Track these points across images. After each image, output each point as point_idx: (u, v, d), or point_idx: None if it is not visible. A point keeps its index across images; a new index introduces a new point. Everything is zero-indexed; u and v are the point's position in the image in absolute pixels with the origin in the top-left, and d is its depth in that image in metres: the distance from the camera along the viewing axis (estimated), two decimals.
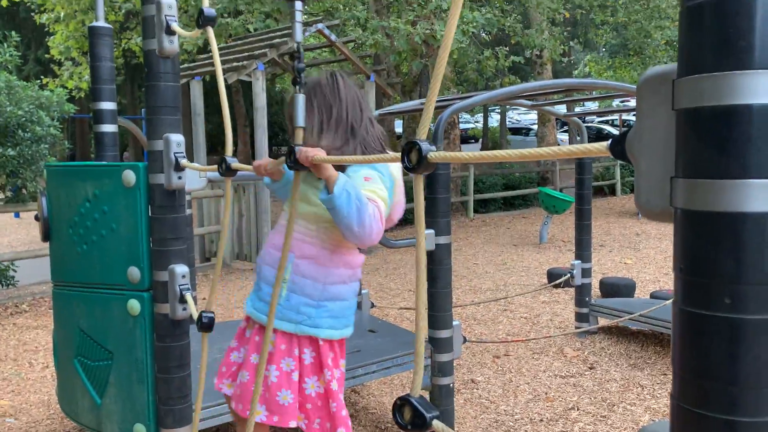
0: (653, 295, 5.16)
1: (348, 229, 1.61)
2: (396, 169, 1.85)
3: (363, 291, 3.83)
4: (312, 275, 1.78)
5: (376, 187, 1.69)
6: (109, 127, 3.19)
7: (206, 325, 1.85)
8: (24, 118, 6.10)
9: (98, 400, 2.35)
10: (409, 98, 15.69)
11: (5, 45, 5.82)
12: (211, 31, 1.78)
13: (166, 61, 2.15)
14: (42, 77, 13.96)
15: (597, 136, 30.59)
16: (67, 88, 12.26)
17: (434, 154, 1.07)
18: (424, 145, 1.06)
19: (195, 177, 2.20)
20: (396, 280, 7.12)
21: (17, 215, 14.94)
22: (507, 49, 10.92)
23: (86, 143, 25.59)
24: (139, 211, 2.18)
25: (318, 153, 1.45)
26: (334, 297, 1.79)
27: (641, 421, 3.29)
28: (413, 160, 1.08)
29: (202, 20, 1.77)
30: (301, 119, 1.46)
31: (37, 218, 2.60)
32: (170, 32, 2.10)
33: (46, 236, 2.55)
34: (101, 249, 2.28)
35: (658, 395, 3.61)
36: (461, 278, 6.94)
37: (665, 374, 3.92)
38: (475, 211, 12.38)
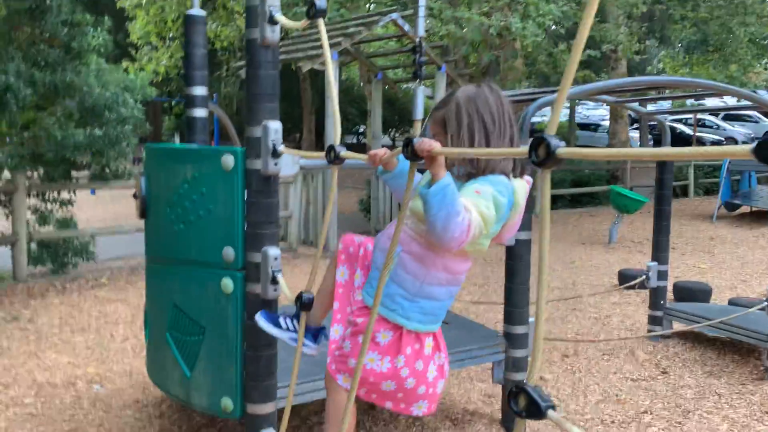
0: (731, 302, 4.98)
1: (432, 226, 1.65)
2: (522, 196, 1.86)
3: None
4: (413, 272, 1.83)
5: (480, 202, 1.70)
6: (200, 112, 3.30)
7: (306, 304, 1.92)
8: (111, 100, 6.38)
9: (188, 373, 2.46)
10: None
11: (98, 29, 6.10)
12: (322, 22, 1.83)
13: (267, 51, 2.21)
14: (121, 61, 14.51)
15: (672, 135, 29.58)
16: (145, 71, 12.75)
17: (563, 150, 1.08)
18: (553, 141, 1.08)
19: (289, 163, 2.27)
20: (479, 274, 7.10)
21: (93, 192, 15.61)
22: None
23: (158, 125, 26.48)
24: (236, 195, 2.27)
25: (436, 145, 1.48)
26: (428, 296, 1.84)
27: (719, 430, 3.20)
28: (541, 154, 1.10)
29: (313, 12, 1.82)
30: (419, 111, 1.50)
31: (135, 196, 2.73)
32: (273, 22, 2.16)
33: (143, 214, 2.68)
34: (198, 229, 2.38)
35: (737, 405, 3.50)
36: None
37: (743, 384, 3.79)
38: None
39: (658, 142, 29.24)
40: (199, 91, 3.28)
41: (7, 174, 6.53)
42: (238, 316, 2.30)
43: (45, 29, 5.61)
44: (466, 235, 1.66)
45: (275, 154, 2.19)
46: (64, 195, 7.01)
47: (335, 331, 1.98)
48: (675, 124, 28.40)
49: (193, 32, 3.24)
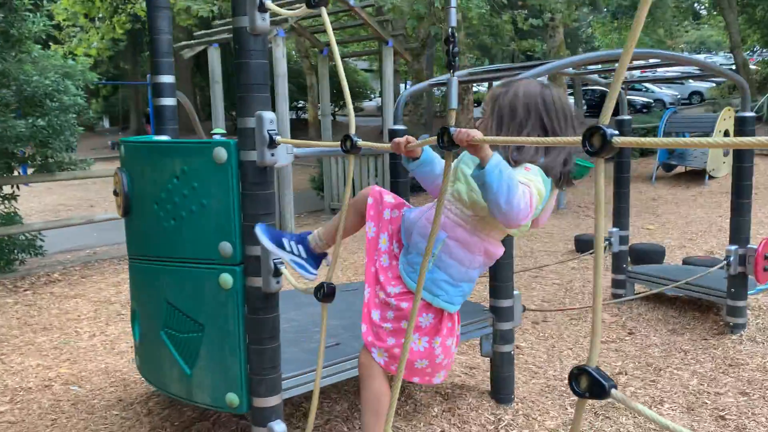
0: (685, 261, 5.24)
1: (496, 206, 1.64)
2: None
3: None
4: (459, 258, 1.86)
5: (532, 177, 1.74)
6: (168, 101, 3.20)
7: (329, 295, 1.93)
8: (51, 88, 6.08)
9: (188, 371, 2.42)
10: (417, 62, 15.56)
11: (38, 15, 5.76)
12: (324, 11, 1.80)
13: (257, 39, 2.16)
14: (47, 44, 13.79)
15: (601, 99, 30.47)
16: (76, 55, 12.17)
17: (619, 139, 1.11)
18: (609, 130, 1.10)
19: (283, 153, 2.23)
20: None
21: (27, 184, 14.93)
22: (525, 12, 10.81)
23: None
24: (231, 188, 2.22)
25: (475, 134, 1.49)
26: (470, 280, 1.90)
27: (690, 384, 3.39)
28: (596, 144, 1.12)
29: (315, 0, 1.78)
30: (454, 101, 1.50)
31: (115, 193, 2.64)
32: (263, 9, 2.11)
33: (126, 211, 2.59)
34: (191, 224, 2.32)
35: (702, 360, 3.71)
36: None
37: (706, 339, 4.01)
38: None
39: (591, 107, 30.09)
40: (167, 79, 3.18)
41: None
42: (239, 311, 2.28)
43: None
44: (530, 207, 1.68)
45: (272, 144, 2.16)
46: (6, 189, 6.69)
47: (366, 293, 1.99)
48: (606, 88, 29.25)
49: (157, 17, 3.13)
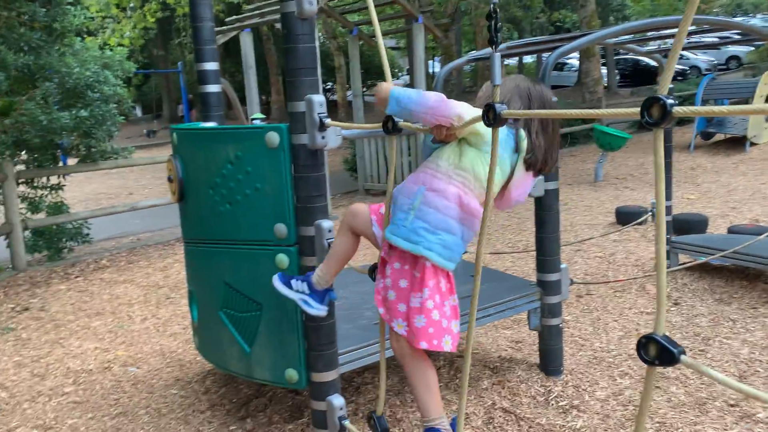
0: (731, 230, 5.16)
1: (417, 114, 1.83)
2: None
3: None
4: (435, 205, 1.92)
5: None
6: (213, 87, 3.26)
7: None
8: (91, 79, 6.21)
9: (247, 349, 2.51)
10: (446, 37, 15.42)
11: (77, 8, 5.88)
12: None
13: (304, 23, 2.20)
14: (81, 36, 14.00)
15: (635, 67, 29.83)
16: (109, 45, 12.36)
17: (679, 109, 1.12)
18: (669, 100, 1.11)
19: (332, 135, 2.28)
20: (489, 225, 7.21)
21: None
22: None
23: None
24: (284, 171, 2.28)
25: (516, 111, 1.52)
26: (448, 229, 1.91)
27: (741, 353, 3.37)
28: (655, 114, 1.13)
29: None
30: (498, 77, 1.52)
31: (170, 179, 2.72)
32: None
33: (181, 197, 2.67)
34: (246, 208, 2.39)
35: (752, 329, 3.68)
36: (525, 220, 6.99)
37: (755, 308, 3.97)
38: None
39: (624, 76, 29.46)
40: (211, 66, 3.23)
41: None
42: None
43: (22, 12, 5.40)
44: (448, 105, 1.81)
45: (322, 127, 2.20)
46: (54, 180, 6.89)
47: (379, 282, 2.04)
48: (638, 57, 28.61)
49: (199, 5, 3.18)
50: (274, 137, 2.26)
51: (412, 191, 1.93)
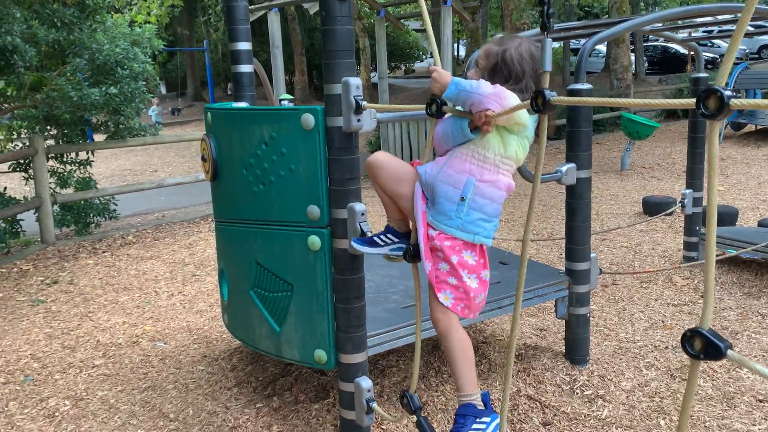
0: (761, 224, 5.08)
1: (471, 104, 1.88)
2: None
3: None
4: (490, 196, 2.01)
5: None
6: (245, 67, 3.26)
7: (414, 255, 2.00)
8: (121, 56, 6.25)
9: (277, 328, 2.53)
10: (473, 20, 15.26)
11: None
12: None
13: (342, 5, 2.18)
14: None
15: (663, 55, 29.30)
16: (137, 22, 12.41)
17: (737, 101, 1.10)
18: (726, 92, 1.09)
19: (367, 118, 2.27)
20: (513, 212, 7.18)
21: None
22: None
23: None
24: (319, 153, 2.28)
25: (565, 99, 1.50)
26: (498, 214, 2.06)
27: None
28: (711, 107, 1.11)
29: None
30: (548, 63, 1.50)
31: (203, 159, 2.74)
32: None
33: (215, 176, 2.69)
34: (280, 189, 2.40)
35: None
36: (551, 208, 6.95)
37: None
38: (548, 138, 12.17)
39: (653, 64, 28.96)
40: (244, 46, 3.23)
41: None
42: (327, 271, 2.35)
43: None
44: (500, 95, 1.86)
45: (358, 110, 2.20)
46: (82, 156, 6.97)
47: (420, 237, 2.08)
48: (667, 44, 28.10)
49: None
50: (309, 119, 2.26)
51: (461, 181, 1.98)
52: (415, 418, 2.09)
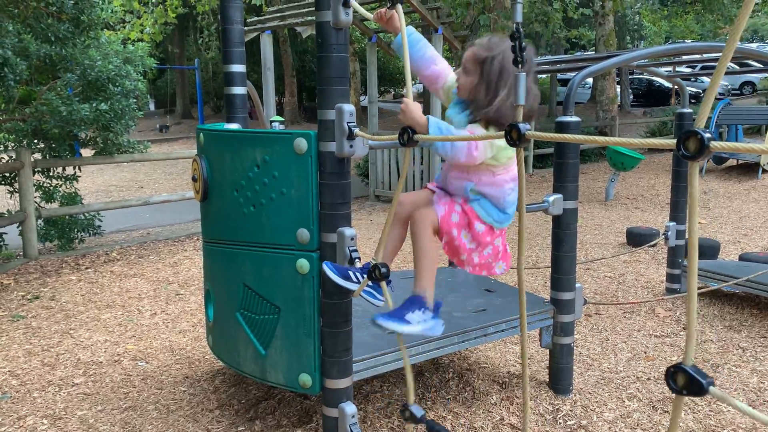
0: (742, 258, 5.16)
1: (443, 155, 2.20)
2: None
3: None
4: (492, 196, 2.31)
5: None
6: (239, 89, 3.29)
7: (385, 274, 2.03)
8: (113, 73, 6.26)
9: (263, 351, 2.53)
10: (463, 49, 15.44)
11: (105, 2, 5.93)
12: (400, 8, 1.84)
13: (339, 33, 2.22)
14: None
15: (648, 87, 29.83)
16: (132, 40, 12.45)
17: (716, 144, 1.13)
18: (706, 135, 1.12)
19: (360, 144, 2.30)
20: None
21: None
22: (577, 1, 10.63)
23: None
24: (310, 177, 2.30)
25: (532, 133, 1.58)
26: (513, 202, 2.33)
27: (750, 382, 3.37)
28: (692, 149, 1.14)
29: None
30: (521, 97, 1.53)
31: (194, 179, 2.74)
32: (347, 4, 2.16)
33: (205, 196, 2.69)
34: (270, 211, 2.41)
35: (762, 357, 3.68)
36: (535, 236, 7.00)
37: (765, 337, 3.97)
38: (534, 166, 12.32)
39: (638, 96, 29.45)
40: (238, 68, 3.26)
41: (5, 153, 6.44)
42: (315, 295, 2.36)
43: (50, 2, 5.45)
44: (474, 154, 2.13)
45: (351, 136, 2.22)
46: (69, 170, 6.94)
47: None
48: (652, 77, 28.62)
49: (230, 7, 3.21)
50: (302, 143, 2.29)
51: (460, 188, 2.34)
52: (423, 425, 2.11)
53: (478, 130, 2.20)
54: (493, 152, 2.20)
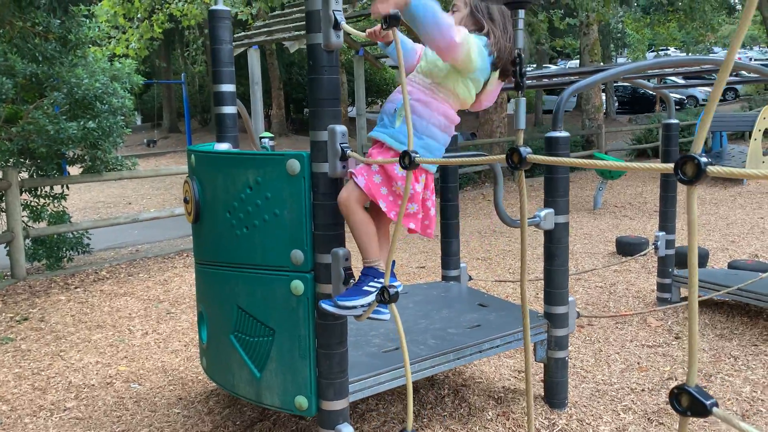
0: (731, 265, 5.20)
1: (426, 34, 2.04)
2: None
3: (461, 265, 3.94)
4: (420, 113, 2.24)
5: (464, 31, 2.15)
6: (229, 109, 3.28)
7: (394, 296, 2.01)
8: (100, 90, 6.24)
9: (257, 374, 2.51)
10: None
11: (92, 20, 5.92)
12: (397, 31, 1.85)
13: (330, 55, 2.23)
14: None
15: (633, 94, 30.14)
16: (116, 55, 12.40)
17: (713, 168, 1.14)
18: (703, 159, 1.14)
19: (353, 165, 2.30)
20: (490, 250, 7.23)
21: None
22: (562, 11, 10.73)
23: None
24: (303, 198, 2.30)
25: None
26: (431, 136, 2.26)
27: (743, 392, 3.39)
28: (689, 173, 1.16)
29: (388, 22, 1.84)
30: (522, 122, 1.55)
31: (186, 200, 2.73)
32: (337, 27, 2.17)
33: (197, 218, 2.68)
34: (263, 233, 2.40)
35: (753, 366, 3.70)
36: (527, 248, 7.01)
37: (756, 345, 4.00)
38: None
39: (623, 103, 29.74)
40: (228, 88, 3.25)
41: None
42: (310, 316, 2.35)
43: (36, 22, 5.43)
44: (459, 37, 2.06)
45: (343, 157, 2.23)
46: (57, 189, 6.89)
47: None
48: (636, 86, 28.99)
49: (219, 27, 3.21)
50: (295, 165, 2.29)
51: (397, 98, 2.24)
52: None
53: (463, 30, 2.21)
54: (472, 60, 2.15)
